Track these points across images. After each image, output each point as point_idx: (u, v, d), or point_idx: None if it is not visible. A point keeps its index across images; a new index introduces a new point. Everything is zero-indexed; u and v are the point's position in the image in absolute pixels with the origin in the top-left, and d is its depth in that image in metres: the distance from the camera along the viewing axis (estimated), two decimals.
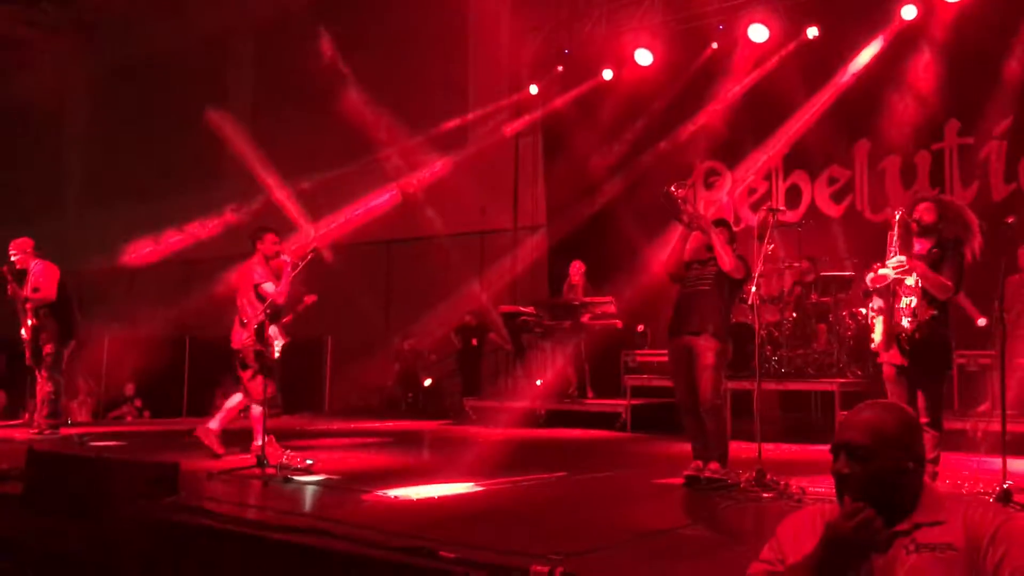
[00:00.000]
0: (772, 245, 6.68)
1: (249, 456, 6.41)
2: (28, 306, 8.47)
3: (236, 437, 7.09)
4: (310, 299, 8.06)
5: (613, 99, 12.45)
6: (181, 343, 13.38)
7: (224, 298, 8.06)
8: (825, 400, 9.00)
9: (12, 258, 8.54)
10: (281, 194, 15.63)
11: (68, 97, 20.91)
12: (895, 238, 5.23)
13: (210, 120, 16.09)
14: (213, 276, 12.55)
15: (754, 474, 5.36)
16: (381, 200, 15.09)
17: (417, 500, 5.13)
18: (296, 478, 5.85)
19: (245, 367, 6.75)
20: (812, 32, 10.72)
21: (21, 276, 8.54)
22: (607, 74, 12.44)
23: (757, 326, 6.23)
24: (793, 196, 11.16)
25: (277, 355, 6.87)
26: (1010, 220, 5.23)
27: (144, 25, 18.79)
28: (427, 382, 13.97)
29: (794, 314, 9.43)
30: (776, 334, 9.29)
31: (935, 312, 5.07)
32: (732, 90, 11.42)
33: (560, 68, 12.99)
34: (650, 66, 12.03)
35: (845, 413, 2.67)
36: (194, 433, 7.10)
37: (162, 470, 5.00)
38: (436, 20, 14.73)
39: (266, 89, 17.72)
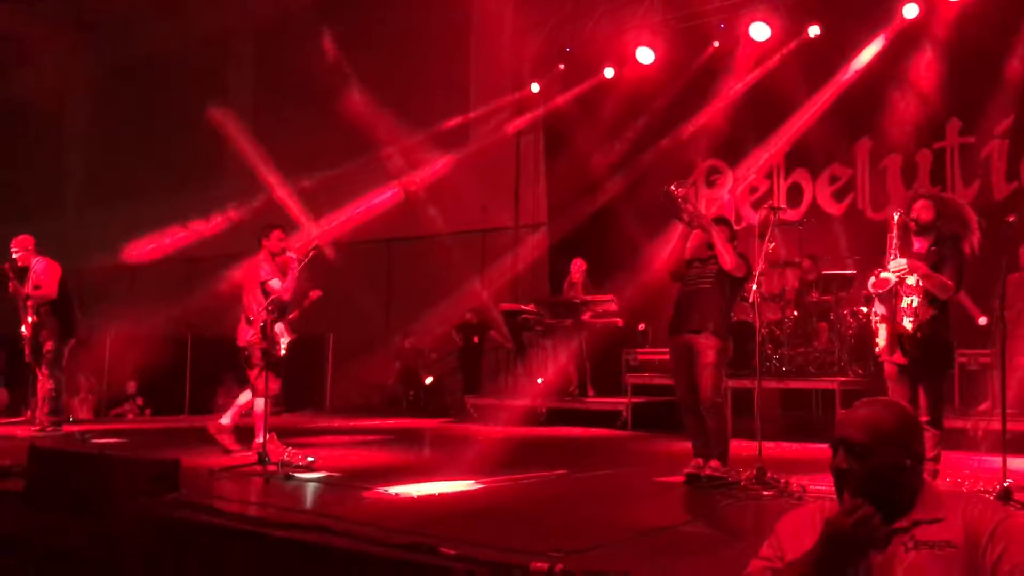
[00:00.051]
0: (773, 243, 6.67)
1: (251, 453, 6.43)
2: (29, 303, 8.46)
3: (237, 434, 7.09)
4: (315, 294, 8.08)
5: (614, 97, 12.45)
6: (183, 341, 13.36)
7: (226, 295, 8.06)
8: (826, 398, 9.01)
9: (13, 255, 8.54)
10: (282, 192, 15.63)
11: (69, 96, 20.87)
12: (894, 240, 5.22)
13: (211, 117, 16.09)
14: (215, 274, 12.58)
15: (755, 472, 5.36)
16: (382, 198, 15.09)
17: (418, 497, 5.13)
18: (297, 475, 5.85)
19: (251, 365, 6.76)
20: (813, 31, 10.72)
21: (22, 273, 8.54)
22: (609, 72, 12.43)
23: (758, 324, 6.22)
24: (794, 194, 11.16)
25: (283, 352, 6.88)
26: (1011, 219, 5.24)
27: (145, 24, 18.76)
28: (428, 380, 13.97)
29: (795, 312, 9.43)
30: (777, 332, 9.29)
31: (936, 311, 5.08)
32: (733, 88, 11.43)
33: (562, 66, 12.98)
34: (652, 64, 12.02)
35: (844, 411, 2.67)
36: (208, 431, 7.11)
37: (163, 467, 5.00)
38: (437, 18, 14.71)
39: (267, 88, 17.70)
